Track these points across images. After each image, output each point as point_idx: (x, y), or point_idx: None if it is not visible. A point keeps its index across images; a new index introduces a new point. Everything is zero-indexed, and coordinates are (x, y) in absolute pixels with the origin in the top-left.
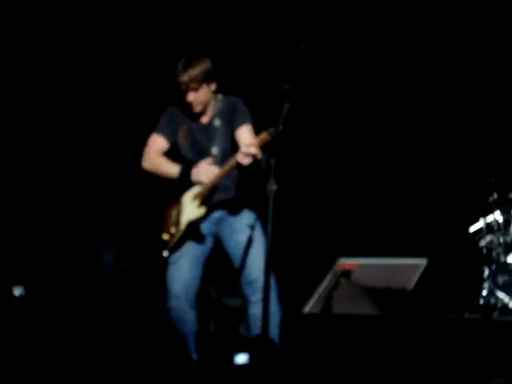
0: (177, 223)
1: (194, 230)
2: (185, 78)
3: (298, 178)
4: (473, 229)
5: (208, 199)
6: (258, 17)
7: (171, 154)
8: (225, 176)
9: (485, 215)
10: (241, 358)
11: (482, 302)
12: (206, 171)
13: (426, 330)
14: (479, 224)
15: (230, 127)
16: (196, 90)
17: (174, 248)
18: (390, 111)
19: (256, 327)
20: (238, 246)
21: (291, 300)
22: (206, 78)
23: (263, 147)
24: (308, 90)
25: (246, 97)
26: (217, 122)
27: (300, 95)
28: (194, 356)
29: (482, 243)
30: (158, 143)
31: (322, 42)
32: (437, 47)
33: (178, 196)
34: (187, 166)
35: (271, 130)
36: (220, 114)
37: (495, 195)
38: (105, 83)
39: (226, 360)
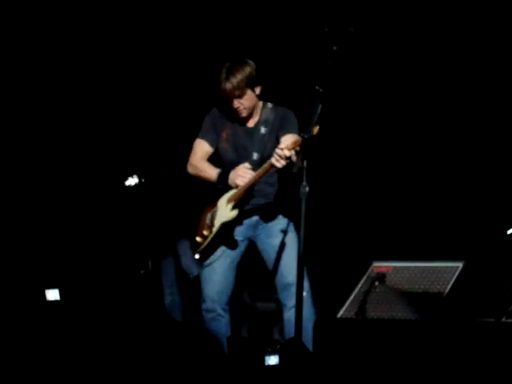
0: (210, 226)
1: (226, 233)
2: (227, 86)
3: (331, 181)
4: (511, 231)
5: (242, 203)
6: (290, 18)
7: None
8: (259, 179)
9: None
10: (272, 360)
11: None
12: (243, 175)
13: (463, 335)
14: None
15: (276, 136)
16: (240, 96)
17: (206, 250)
18: (421, 113)
19: (290, 332)
20: (273, 250)
21: (325, 304)
22: (249, 84)
23: (298, 150)
24: (341, 91)
25: (279, 99)
26: (263, 129)
27: (333, 97)
28: (227, 359)
29: None
30: (201, 148)
31: (356, 43)
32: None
33: (215, 199)
34: (226, 169)
35: (304, 133)
36: (267, 121)
37: None
38: (109, 85)
39: (257, 363)
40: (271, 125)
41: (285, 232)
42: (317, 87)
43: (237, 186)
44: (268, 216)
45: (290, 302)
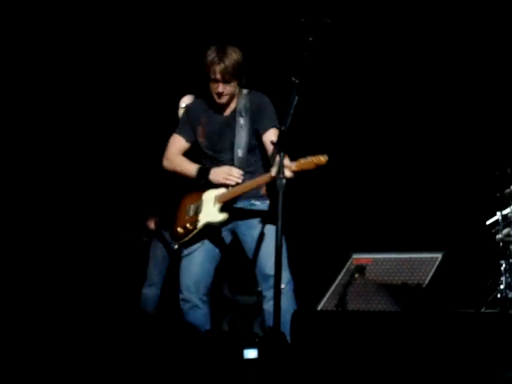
0: (195, 221)
1: (209, 231)
2: (220, 67)
3: (311, 173)
4: (489, 222)
5: (230, 205)
6: (266, 9)
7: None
8: (249, 189)
9: (501, 208)
10: (251, 354)
11: (499, 296)
12: (227, 172)
13: (443, 326)
14: (496, 217)
15: (255, 126)
16: (228, 82)
17: (186, 243)
18: (401, 103)
19: (270, 323)
20: (253, 241)
21: (305, 296)
22: (239, 70)
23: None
24: (317, 82)
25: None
26: (241, 120)
27: (309, 88)
28: (203, 351)
29: (499, 236)
30: (177, 143)
31: (331, 34)
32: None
33: (196, 190)
34: (203, 166)
35: (281, 125)
36: (244, 110)
37: None
38: (106, 83)
39: (236, 356)
40: (249, 113)
41: (264, 223)
42: (293, 78)
43: (223, 185)
44: (250, 209)
45: (269, 293)
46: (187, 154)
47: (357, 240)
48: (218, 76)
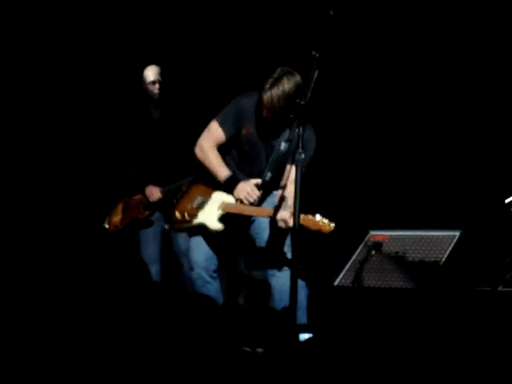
0: (193, 214)
1: (201, 231)
2: (265, 97)
3: (328, 150)
4: (508, 200)
5: (231, 219)
6: None
7: None
8: (255, 215)
9: None
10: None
11: None
12: (249, 194)
13: (460, 304)
14: None
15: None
16: (274, 111)
17: (176, 230)
18: (420, 83)
19: (277, 300)
20: (263, 240)
21: (322, 272)
22: (287, 101)
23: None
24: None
25: (275, 64)
26: (283, 146)
27: (330, 63)
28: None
29: None
30: (215, 134)
31: (353, 8)
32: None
33: (210, 185)
34: (235, 176)
35: (300, 99)
36: (290, 137)
37: None
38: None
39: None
40: (290, 142)
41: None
42: (313, 52)
43: (238, 200)
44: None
45: (274, 272)
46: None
47: (374, 216)
48: (267, 115)
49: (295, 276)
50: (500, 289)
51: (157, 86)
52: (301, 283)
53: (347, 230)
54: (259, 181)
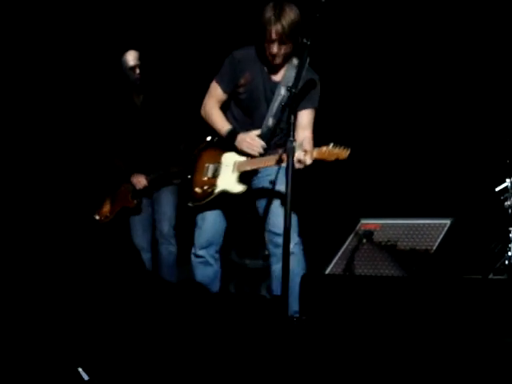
0: (212, 184)
1: (225, 197)
2: (278, 27)
3: (319, 138)
4: (498, 189)
5: (249, 177)
6: None
7: None
8: (268, 165)
9: (511, 175)
10: None
11: (507, 262)
12: (250, 143)
13: (450, 292)
14: (505, 184)
15: (296, 84)
16: (285, 42)
17: (202, 206)
18: (410, 74)
19: (275, 285)
20: (265, 200)
21: (313, 261)
22: (296, 30)
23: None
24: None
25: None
26: (283, 91)
27: (321, 50)
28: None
29: (508, 203)
30: (214, 93)
31: None
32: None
33: (214, 148)
34: (234, 130)
35: (291, 87)
36: (290, 82)
37: None
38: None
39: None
40: (293, 87)
41: (278, 184)
42: (304, 40)
43: (242, 152)
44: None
45: (277, 251)
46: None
47: (365, 205)
48: (274, 36)
49: (287, 262)
50: (490, 277)
51: (137, 71)
52: (297, 270)
53: (338, 219)
54: (258, 132)
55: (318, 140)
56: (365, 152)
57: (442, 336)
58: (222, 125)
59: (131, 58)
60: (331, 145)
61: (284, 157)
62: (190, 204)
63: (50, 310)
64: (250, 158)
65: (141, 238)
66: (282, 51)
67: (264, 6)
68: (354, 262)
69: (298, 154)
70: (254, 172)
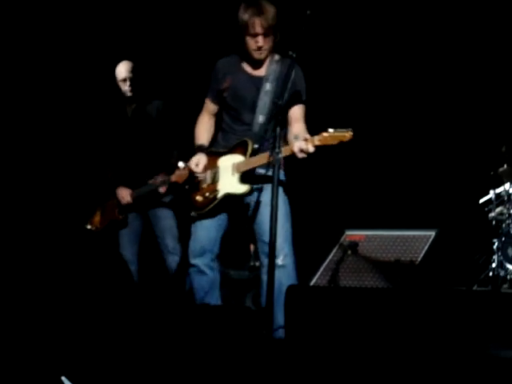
0: (213, 189)
1: (228, 201)
2: (261, 20)
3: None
4: (482, 200)
5: (249, 176)
6: None
7: None
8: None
9: (495, 186)
10: None
11: (491, 274)
12: (196, 162)
13: (435, 303)
14: (489, 195)
15: (282, 96)
16: (268, 35)
17: (206, 213)
18: (396, 84)
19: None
20: (260, 213)
21: (298, 272)
22: (277, 24)
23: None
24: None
25: None
26: (267, 86)
27: (306, 62)
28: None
29: (492, 215)
30: (206, 106)
31: (329, 7)
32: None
33: (209, 155)
34: (201, 147)
35: (279, 100)
36: (274, 77)
37: (505, 166)
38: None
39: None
40: (276, 81)
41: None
42: (290, 52)
43: (238, 152)
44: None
45: (266, 261)
46: None
47: (350, 216)
48: (259, 29)
49: (272, 274)
50: (475, 288)
51: (128, 83)
52: (286, 283)
53: (323, 230)
54: (202, 156)
55: None
56: (350, 163)
57: (427, 348)
58: (198, 139)
59: (123, 69)
60: (330, 130)
61: (285, 150)
62: (193, 214)
63: (40, 317)
64: (248, 158)
65: (127, 251)
66: (267, 44)
67: (239, 7)
68: (338, 274)
69: (300, 144)
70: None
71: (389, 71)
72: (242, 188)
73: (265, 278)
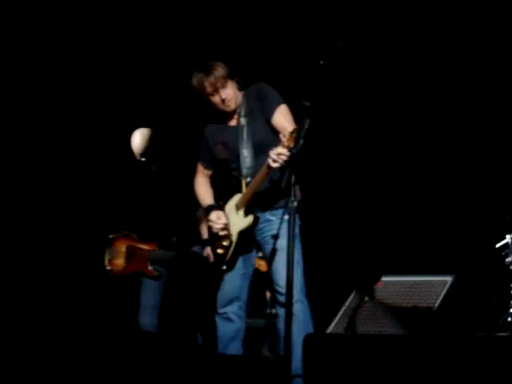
0: (228, 236)
1: (245, 239)
2: (210, 79)
3: (320, 195)
4: (499, 245)
5: (252, 207)
6: (276, 32)
7: None
8: (260, 182)
9: (511, 231)
10: None
11: (509, 319)
12: (213, 222)
13: (454, 349)
14: (505, 240)
15: (262, 119)
16: (224, 86)
17: (231, 260)
18: (411, 129)
19: (280, 344)
20: (275, 253)
21: (315, 320)
22: (228, 74)
23: (292, 133)
24: (328, 105)
25: None
26: (243, 121)
27: (320, 111)
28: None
29: (509, 259)
30: (199, 171)
31: (343, 57)
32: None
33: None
34: (210, 207)
35: (292, 148)
36: (246, 110)
37: None
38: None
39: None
40: (251, 112)
41: (283, 237)
42: (304, 102)
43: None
44: (271, 216)
45: (280, 310)
46: None
47: (367, 262)
48: (211, 87)
49: (289, 321)
50: (493, 334)
51: (141, 158)
52: (297, 330)
53: (341, 277)
54: (219, 212)
55: None
56: (366, 209)
57: None
58: (204, 200)
59: (136, 147)
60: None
61: (264, 168)
62: (223, 268)
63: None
64: (244, 192)
65: (149, 300)
66: (229, 94)
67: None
68: (355, 320)
69: (274, 150)
70: (255, 223)
71: (398, 115)
72: (247, 219)
73: (278, 326)
